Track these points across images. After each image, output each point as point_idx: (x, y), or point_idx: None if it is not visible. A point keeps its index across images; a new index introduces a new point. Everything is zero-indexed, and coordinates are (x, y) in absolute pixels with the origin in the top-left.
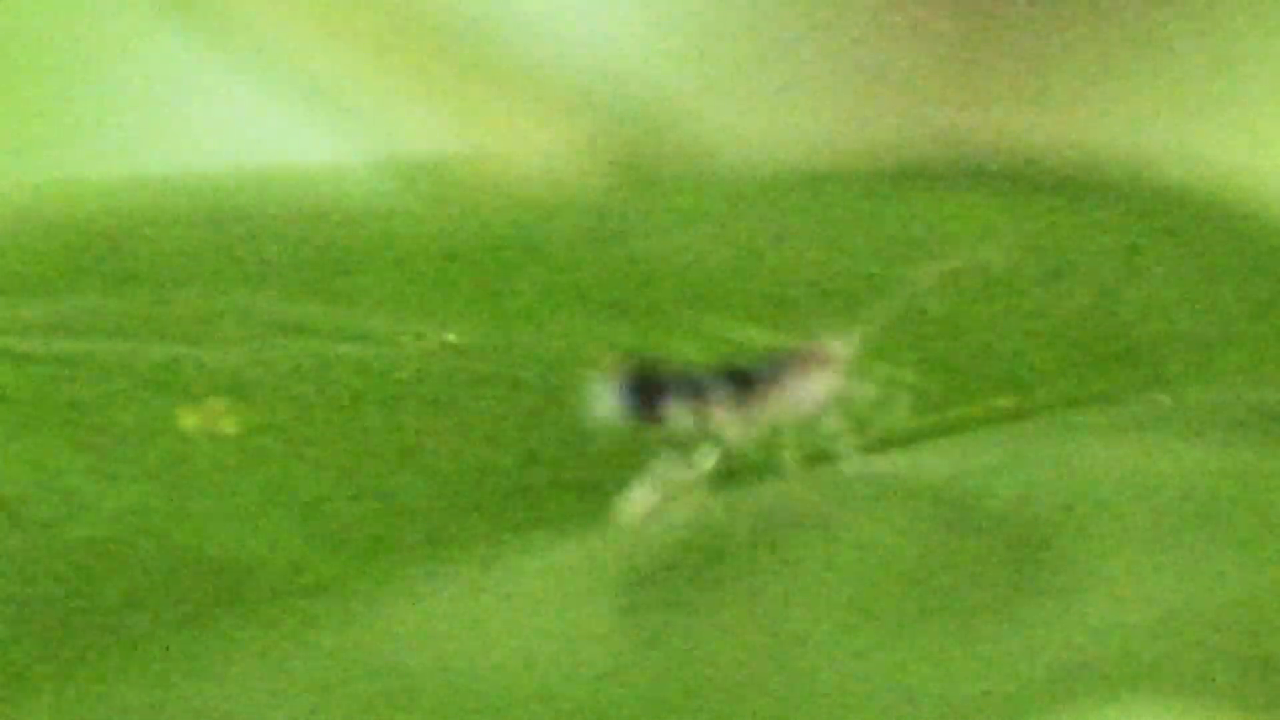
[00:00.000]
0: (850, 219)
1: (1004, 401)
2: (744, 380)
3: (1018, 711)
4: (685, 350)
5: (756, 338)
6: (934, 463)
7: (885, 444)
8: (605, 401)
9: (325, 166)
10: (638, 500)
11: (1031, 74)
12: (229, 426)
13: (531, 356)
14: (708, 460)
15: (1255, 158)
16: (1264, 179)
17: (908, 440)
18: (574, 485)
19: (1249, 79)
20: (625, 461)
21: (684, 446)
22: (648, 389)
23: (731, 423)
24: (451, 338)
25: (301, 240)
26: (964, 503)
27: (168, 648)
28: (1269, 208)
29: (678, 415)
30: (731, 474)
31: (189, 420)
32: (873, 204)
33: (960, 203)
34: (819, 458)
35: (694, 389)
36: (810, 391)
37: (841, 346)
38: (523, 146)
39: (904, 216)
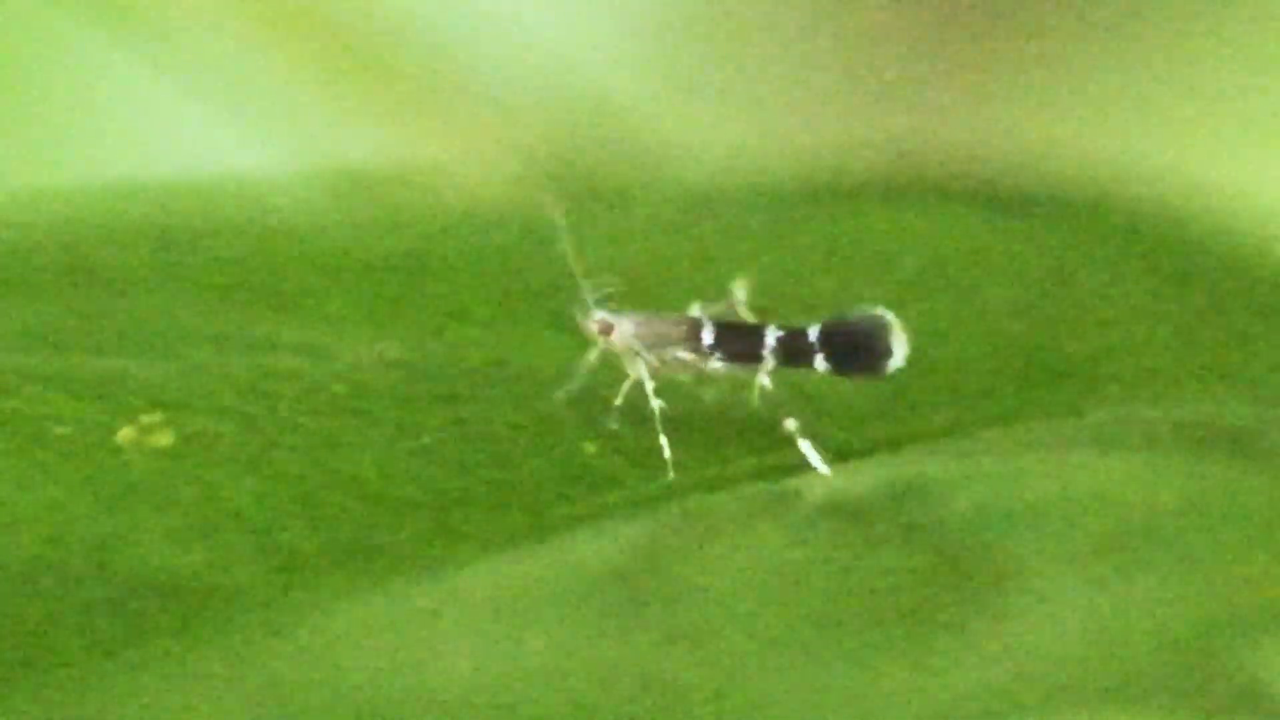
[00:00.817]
0: (803, 231)
1: (942, 417)
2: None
3: None
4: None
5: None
6: (870, 478)
7: (822, 458)
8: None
9: (264, 177)
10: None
11: (989, 87)
12: (164, 439)
13: (470, 369)
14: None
15: (1209, 173)
16: (1213, 194)
17: (845, 455)
18: (510, 498)
19: (1204, 92)
20: (560, 473)
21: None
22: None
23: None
24: (388, 351)
25: (239, 252)
26: (900, 519)
27: (103, 664)
28: (1217, 223)
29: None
30: (670, 489)
31: (125, 433)
32: (825, 216)
33: (913, 215)
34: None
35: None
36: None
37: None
38: (467, 156)
39: (857, 229)
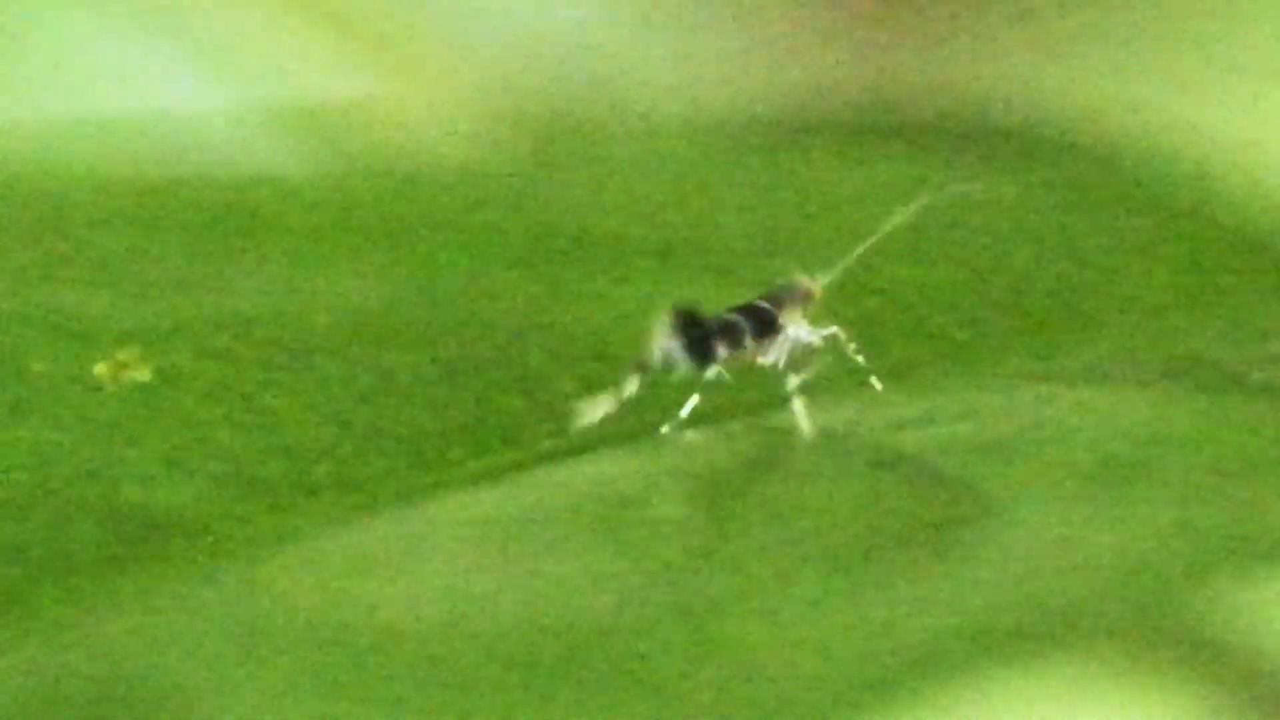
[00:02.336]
0: (773, 173)
1: (927, 352)
2: (764, 319)
3: (938, 657)
4: (603, 304)
5: (674, 292)
6: (853, 413)
7: (805, 394)
8: (665, 353)
9: (243, 119)
10: (595, 408)
11: (969, 29)
12: (142, 374)
13: (447, 310)
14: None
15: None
16: (1198, 135)
17: (828, 389)
18: (489, 434)
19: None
20: (535, 414)
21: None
22: (699, 335)
23: (753, 359)
24: (365, 288)
25: (219, 190)
26: (884, 452)
27: (82, 592)
28: (1203, 164)
29: (723, 357)
30: (649, 426)
31: (101, 369)
32: (796, 158)
33: (888, 156)
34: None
35: (733, 331)
36: (800, 327)
37: (813, 283)
38: (432, 97)
39: (832, 166)
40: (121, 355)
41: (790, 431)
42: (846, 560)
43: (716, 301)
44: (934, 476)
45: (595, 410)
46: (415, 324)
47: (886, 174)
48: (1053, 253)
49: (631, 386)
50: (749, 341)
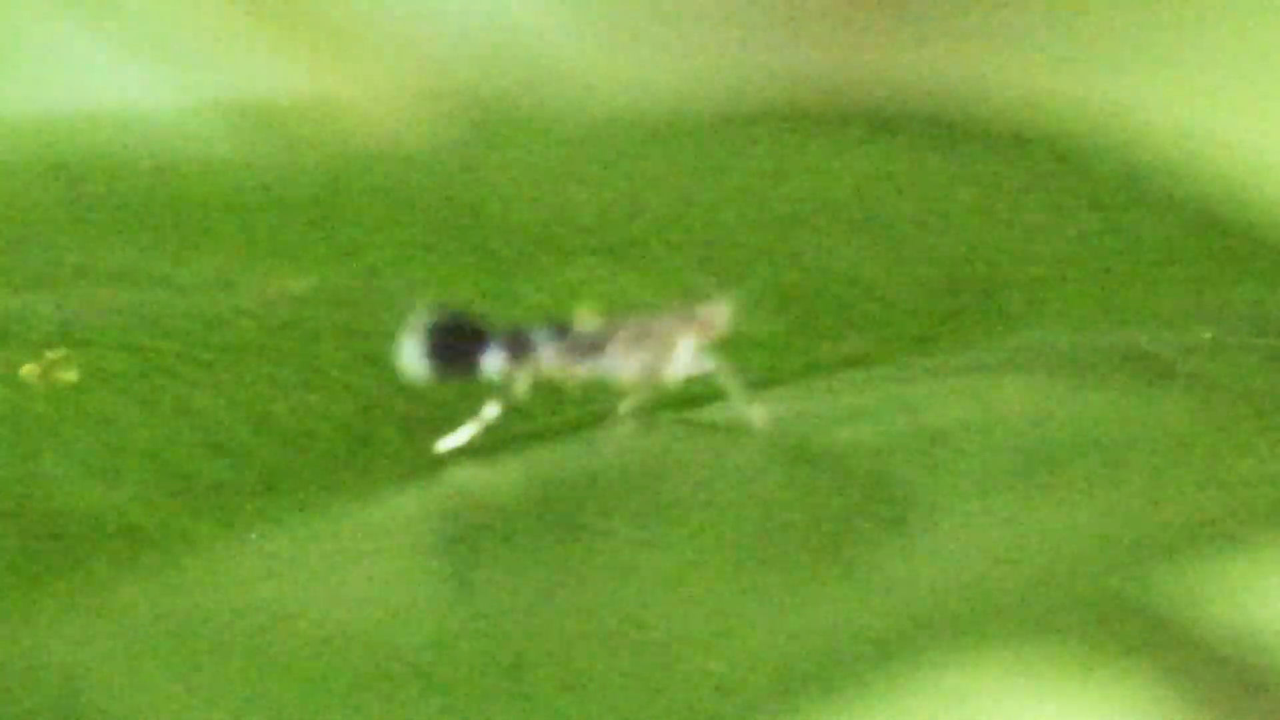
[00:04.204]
0: (711, 164)
1: (860, 344)
2: (581, 338)
3: (868, 653)
4: (536, 297)
5: (614, 285)
6: (785, 407)
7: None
8: (413, 355)
9: (169, 113)
10: (456, 438)
11: (918, 18)
12: (69, 375)
13: (375, 305)
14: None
15: (1133, 108)
16: (1137, 125)
17: (759, 383)
18: (416, 435)
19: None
20: (467, 412)
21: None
22: (463, 341)
23: (560, 377)
24: (294, 286)
25: (144, 187)
26: (813, 446)
27: (6, 598)
28: (1140, 154)
29: (492, 368)
30: (572, 424)
31: (29, 369)
32: (734, 148)
33: (825, 144)
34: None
35: (518, 342)
36: (680, 352)
37: (722, 313)
38: (374, 91)
39: (772, 159)
40: (50, 355)
41: (722, 428)
42: (772, 558)
43: (645, 294)
44: (863, 472)
45: (457, 438)
46: (346, 319)
47: (833, 167)
48: (980, 243)
49: (493, 411)
50: (546, 356)
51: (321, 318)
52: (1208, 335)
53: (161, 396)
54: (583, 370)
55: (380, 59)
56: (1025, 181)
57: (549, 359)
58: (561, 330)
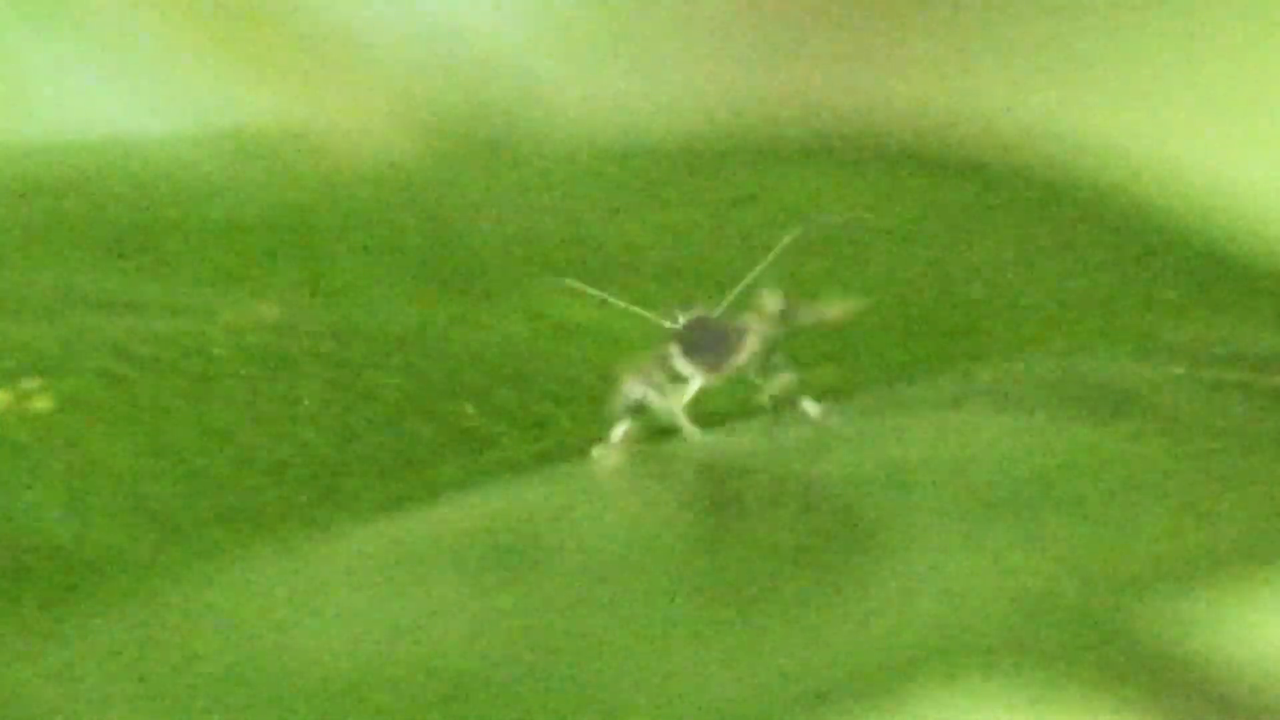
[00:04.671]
0: (688, 190)
1: (828, 375)
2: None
3: (839, 692)
4: (512, 324)
5: (585, 312)
6: (752, 438)
7: (703, 419)
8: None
9: (144, 138)
10: (611, 449)
11: (883, 42)
12: (42, 404)
13: (351, 332)
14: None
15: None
16: (1112, 154)
17: (726, 415)
18: (391, 464)
19: (1108, 52)
20: (441, 440)
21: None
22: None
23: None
24: (269, 313)
25: (119, 213)
26: (785, 480)
27: None
28: (1110, 183)
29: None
30: (548, 452)
31: (3, 398)
32: (707, 176)
33: (801, 172)
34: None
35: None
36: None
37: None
38: (349, 118)
39: (744, 186)
40: (24, 385)
41: (692, 460)
42: (748, 591)
43: (622, 321)
44: (831, 506)
45: (610, 455)
46: (319, 347)
47: (804, 195)
48: (952, 274)
49: (626, 423)
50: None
51: (298, 346)
52: (1180, 369)
53: (137, 426)
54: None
55: (362, 85)
56: (998, 213)
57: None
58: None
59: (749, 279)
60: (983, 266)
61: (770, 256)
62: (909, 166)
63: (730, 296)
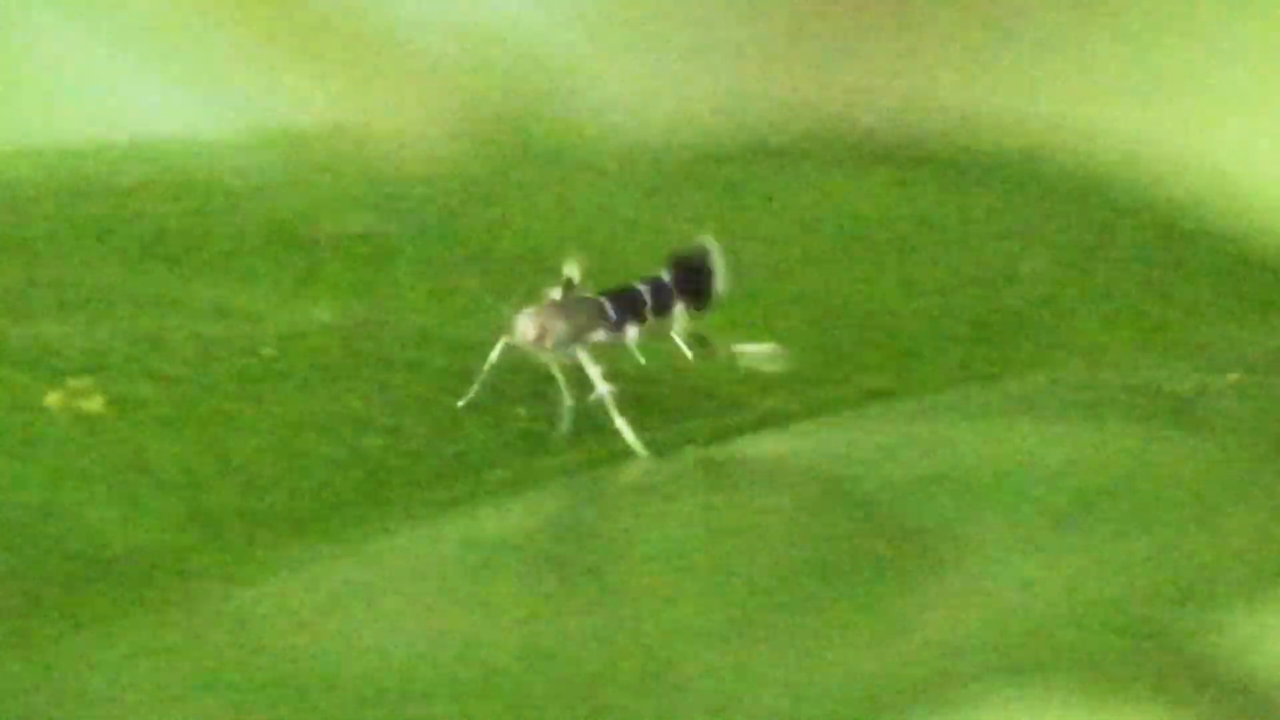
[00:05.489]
0: (739, 190)
1: (879, 382)
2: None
3: (896, 700)
4: None
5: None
6: (808, 445)
7: (759, 425)
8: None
9: (198, 139)
10: (630, 436)
11: (929, 49)
12: (94, 404)
13: (403, 335)
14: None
15: (1148, 140)
16: (1156, 161)
17: (783, 421)
18: (443, 467)
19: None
20: (493, 443)
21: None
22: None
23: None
24: (321, 315)
25: (172, 215)
26: (839, 486)
27: (33, 633)
28: (1159, 190)
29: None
30: (603, 456)
31: (53, 398)
32: (761, 176)
33: (847, 177)
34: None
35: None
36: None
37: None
38: (403, 119)
39: (794, 189)
40: (74, 383)
41: (745, 464)
42: (802, 599)
43: None
44: (888, 513)
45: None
46: (371, 349)
47: (849, 200)
48: (1002, 280)
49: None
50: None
51: (350, 348)
52: (1233, 376)
53: (188, 427)
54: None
55: (410, 86)
56: (1048, 217)
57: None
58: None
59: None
60: (1032, 272)
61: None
62: (955, 172)
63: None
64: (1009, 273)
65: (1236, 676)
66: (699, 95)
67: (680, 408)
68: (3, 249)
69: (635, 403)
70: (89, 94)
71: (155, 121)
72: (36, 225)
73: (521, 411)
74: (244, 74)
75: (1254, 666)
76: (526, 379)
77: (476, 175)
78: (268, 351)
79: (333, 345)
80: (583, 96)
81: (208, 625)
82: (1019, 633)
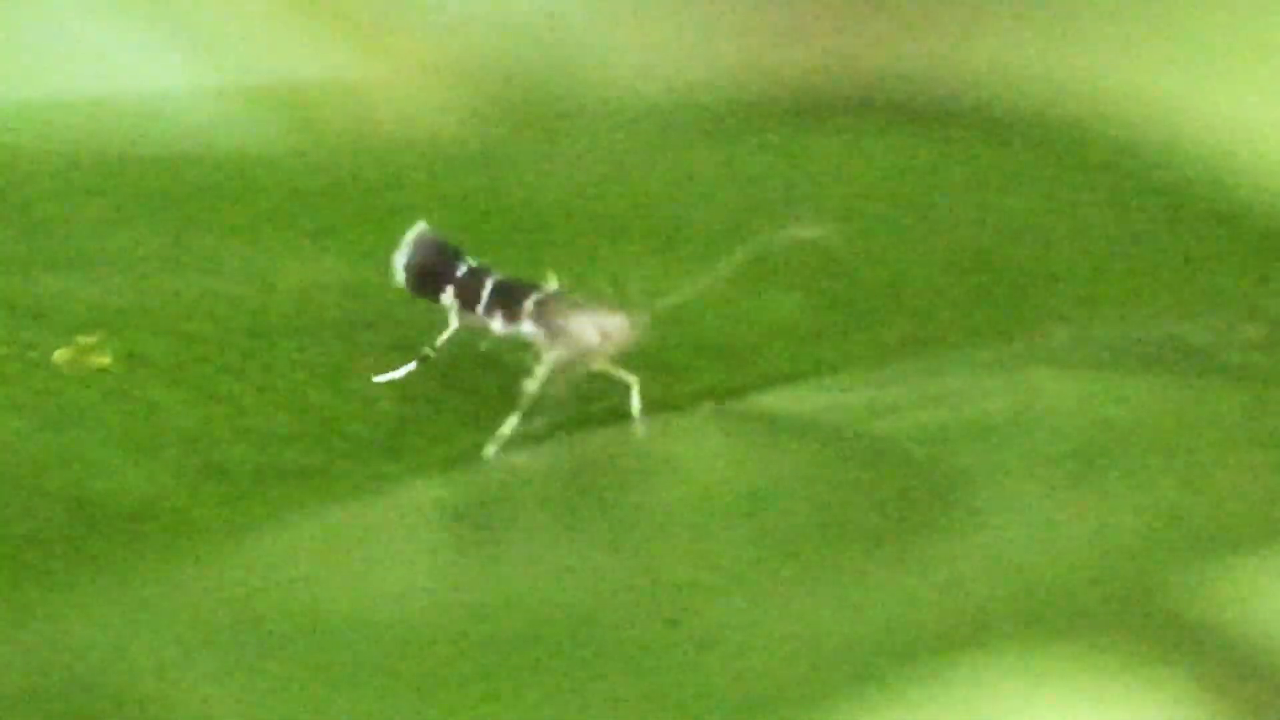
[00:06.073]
0: (756, 150)
1: (898, 335)
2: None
3: (921, 644)
4: (567, 285)
5: (645, 272)
6: (824, 398)
7: (773, 381)
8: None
9: (206, 99)
10: (502, 433)
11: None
12: (102, 360)
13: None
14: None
15: (1169, 102)
16: (1173, 114)
17: (798, 377)
18: (453, 423)
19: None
20: (500, 399)
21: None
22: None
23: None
24: (331, 274)
25: (180, 173)
26: (857, 438)
27: (44, 583)
28: (1176, 143)
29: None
30: (616, 411)
31: (62, 354)
32: (778, 136)
33: (866, 136)
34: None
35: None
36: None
37: (624, 330)
38: (404, 77)
39: (812, 149)
40: (83, 339)
41: (762, 418)
42: (823, 549)
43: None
44: (908, 464)
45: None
46: (379, 306)
47: (860, 158)
48: (1022, 235)
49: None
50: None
51: (360, 307)
52: (1250, 329)
53: (197, 382)
54: (497, 326)
55: (411, 44)
56: (1064, 173)
57: (485, 305)
58: (516, 286)
59: (717, 275)
60: (1046, 227)
61: (734, 259)
62: (967, 129)
63: (699, 287)
64: (1026, 230)
65: (1236, 630)
66: (717, 57)
67: (691, 365)
68: (7, 205)
69: (649, 360)
70: (83, 51)
71: (152, 79)
72: (37, 184)
73: (533, 365)
74: (248, 32)
75: (1254, 620)
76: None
77: (480, 135)
78: (279, 310)
79: (344, 304)
80: (592, 56)
81: (217, 576)
82: (1029, 584)
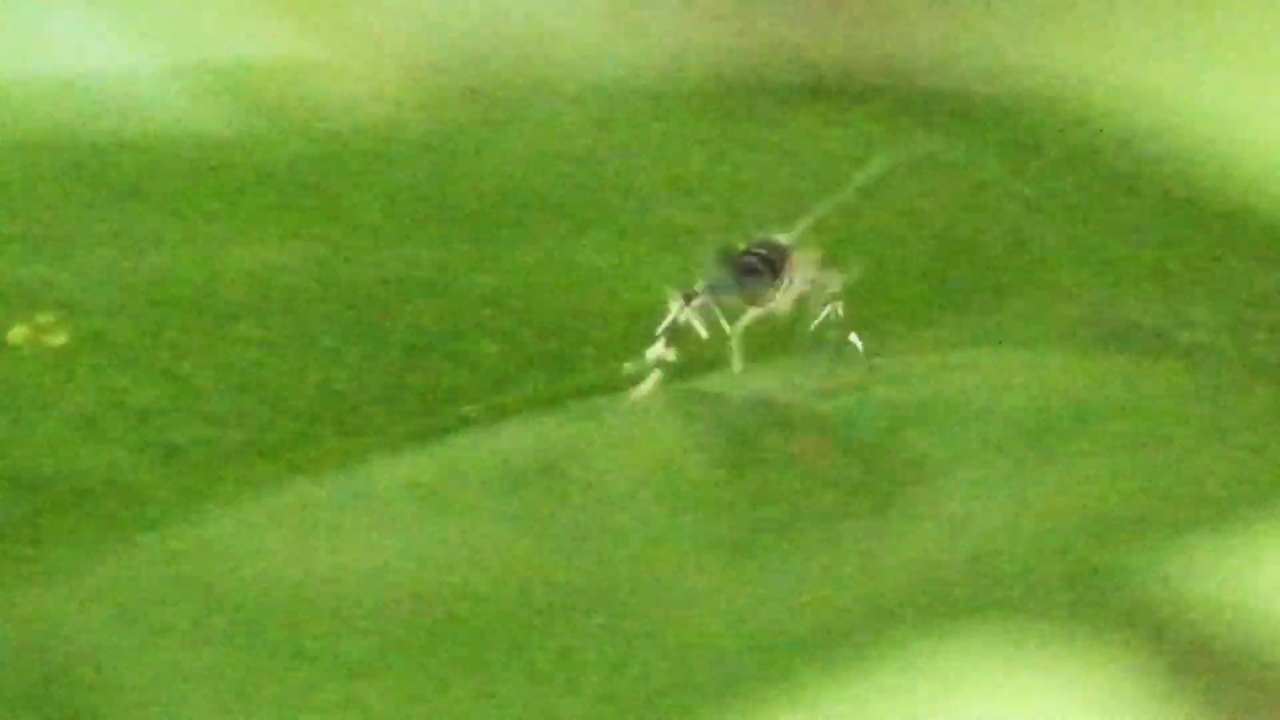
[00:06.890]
0: (698, 137)
1: (856, 315)
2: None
3: (875, 627)
4: (526, 267)
5: (602, 255)
6: (781, 377)
7: (723, 360)
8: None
9: (160, 80)
10: (648, 383)
11: None
12: (58, 338)
13: (370, 274)
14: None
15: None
16: (1134, 98)
17: (755, 354)
18: (412, 402)
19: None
20: (462, 379)
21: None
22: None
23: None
24: (286, 255)
25: (139, 152)
26: (813, 419)
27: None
28: (1134, 127)
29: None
30: (570, 390)
31: (17, 332)
32: (720, 121)
33: (807, 117)
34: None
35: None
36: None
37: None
38: (358, 55)
39: (754, 131)
40: (40, 319)
41: (718, 399)
42: (774, 527)
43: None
44: (863, 443)
45: (646, 386)
46: (335, 286)
47: (818, 138)
48: (975, 216)
49: (668, 354)
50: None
51: (310, 285)
52: (1203, 310)
53: (151, 361)
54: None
55: (365, 22)
56: (1017, 153)
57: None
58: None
59: (824, 208)
60: (1002, 208)
61: (850, 186)
62: (923, 110)
63: (805, 223)
64: (983, 210)
65: (1187, 608)
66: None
67: (644, 344)
68: None
69: (607, 340)
70: (31, 32)
71: (103, 59)
72: None
73: (490, 348)
74: (192, 10)
75: (1205, 597)
76: (494, 316)
77: (437, 117)
78: (234, 290)
79: (299, 284)
80: (549, 42)
81: (173, 554)
82: (985, 562)
